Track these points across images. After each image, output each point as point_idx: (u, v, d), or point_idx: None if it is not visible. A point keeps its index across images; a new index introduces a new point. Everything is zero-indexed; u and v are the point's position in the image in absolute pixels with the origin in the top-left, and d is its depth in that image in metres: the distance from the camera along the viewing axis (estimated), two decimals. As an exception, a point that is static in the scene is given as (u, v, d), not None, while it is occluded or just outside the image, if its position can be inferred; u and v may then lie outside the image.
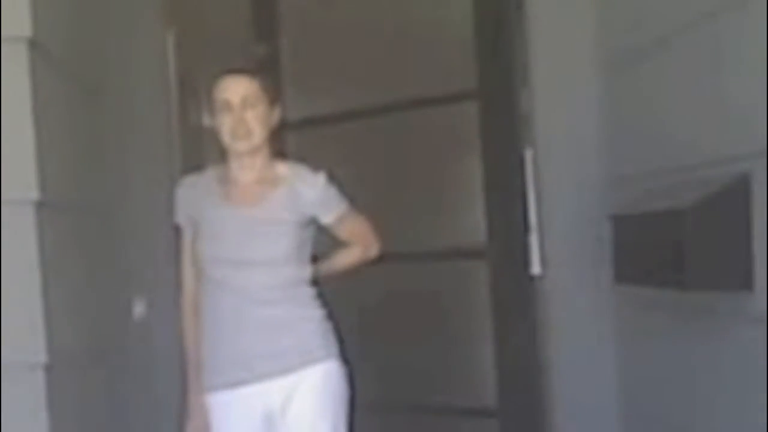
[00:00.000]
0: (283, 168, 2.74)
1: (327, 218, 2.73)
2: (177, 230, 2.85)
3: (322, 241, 2.81)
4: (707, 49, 2.57)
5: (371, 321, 3.78)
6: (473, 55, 3.54)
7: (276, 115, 2.72)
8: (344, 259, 2.90)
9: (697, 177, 2.55)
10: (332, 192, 2.73)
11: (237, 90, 2.64)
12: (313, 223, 2.73)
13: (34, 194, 2.41)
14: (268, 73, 3.20)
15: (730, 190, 2.33)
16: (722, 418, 2.60)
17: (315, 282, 2.75)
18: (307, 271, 2.72)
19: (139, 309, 3.57)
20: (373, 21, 3.79)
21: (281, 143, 3.23)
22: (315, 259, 2.77)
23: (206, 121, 2.73)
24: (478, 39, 3.52)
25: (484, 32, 3.51)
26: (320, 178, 2.72)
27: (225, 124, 2.64)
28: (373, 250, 2.92)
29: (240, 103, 2.63)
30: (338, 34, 3.86)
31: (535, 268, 3.45)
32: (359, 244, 2.88)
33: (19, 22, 2.39)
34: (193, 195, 2.75)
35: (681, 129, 2.76)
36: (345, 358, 2.73)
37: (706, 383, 2.69)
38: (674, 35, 2.74)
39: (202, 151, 4.61)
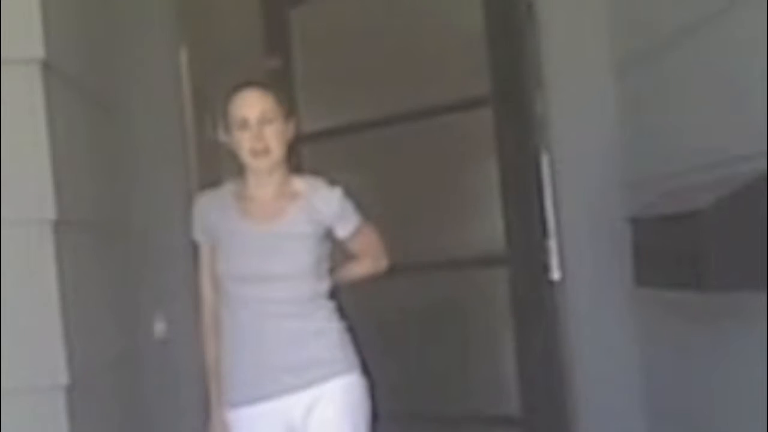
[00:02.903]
0: (299, 182, 2.74)
1: (343, 232, 2.73)
2: (195, 246, 2.85)
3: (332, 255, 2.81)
4: (722, 46, 2.55)
5: (392, 331, 3.77)
6: (486, 61, 3.53)
7: (291, 129, 2.72)
8: (356, 271, 2.89)
9: (715, 177, 2.53)
10: (348, 206, 2.73)
11: (253, 106, 2.63)
12: (329, 236, 2.72)
13: (51, 213, 2.42)
14: (281, 86, 3.20)
15: (749, 190, 2.31)
16: (745, 417, 2.57)
17: (333, 295, 2.74)
18: (326, 285, 2.72)
19: (159, 326, 3.57)
20: (384, 31, 3.79)
21: (296, 156, 3.23)
22: (330, 271, 2.76)
23: (222, 137, 2.73)
24: (490, 44, 3.52)
25: (496, 37, 3.50)
26: (337, 192, 2.72)
27: (243, 142, 2.63)
28: (383, 264, 2.90)
29: (257, 120, 2.62)
30: (350, 45, 3.86)
31: (555, 274, 3.43)
32: (370, 257, 2.87)
33: (32, 44, 2.40)
34: (211, 211, 2.75)
35: (697, 129, 2.74)
36: (365, 370, 2.73)
37: (730, 384, 2.66)
38: (687, 34, 2.72)
39: (218, 166, 4.62)
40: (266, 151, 2.63)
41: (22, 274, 2.39)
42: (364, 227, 2.79)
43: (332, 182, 2.75)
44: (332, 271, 2.77)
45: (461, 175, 3.73)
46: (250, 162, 2.66)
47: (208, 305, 2.78)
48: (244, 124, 2.63)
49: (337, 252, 2.81)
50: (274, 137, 2.64)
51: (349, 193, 2.74)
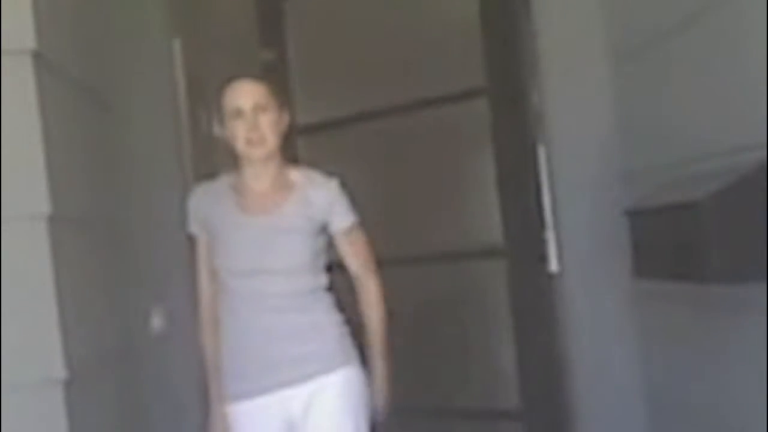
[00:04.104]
0: (296, 174, 2.73)
1: (336, 225, 2.70)
2: (192, 240, 2.83)
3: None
4: (718, 36, 2.54)
5: (390, 324, 3.76)
6: (482, 52, 3.52)
7: (285, 120, 2.71)
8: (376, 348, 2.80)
9: (712, 167, 2.52)
10: (344, 199, 2.71)
11: (248, 96, 2.62)
12: (325, 231, 2.70)
13: (45, 208, 2.40)
14: (275, 78, 3.19)
15: (748, 180, 2.30)
16: (746, 409, 2.57)
17: (330, 288, 2.73)
18: (323, 280, 2.70)
19: (156, 320, 3.55)
20: (379, 22, 3.78)
21: (292, 149, 3.21)
22: (330, 268, 2.74)
23: (217, 130, 2.72)
24: (485, 35, 3.51)
25: (492, 28, 3.49)
26: (333, 184, 2.71)
27: (238, 131, 2.62)
28: (372, 284, 2.79)
29: (252, 109, 2.61)
30: (345, 37, 3.85)
31: (553, 266, 3.42)
32: (358, 262, 2.77)
33: (23, 35, 2.38)
34: (207, 203, 2.73)
35: (696, 119, 2.73)
36: (364, 363, 2.71)
37: (729, 376, 2.66)
38: (683, 25, 2.71)
39: (213, 159, 4.60)
40: (261, 140, 2.61)
41: (17, 269, 2.37)
42: (357, 228, 2.76)
43: (329, 175, 2.74)
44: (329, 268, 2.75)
45: (458, 167, 3.72)
46: (245, 151, 2.64)
47: (206, 299, 2.77)
48: (238, 114, 2.62)
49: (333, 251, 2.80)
50: (269, 126, 2.63)
51: (346, 190, 2.72)
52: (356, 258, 2.78)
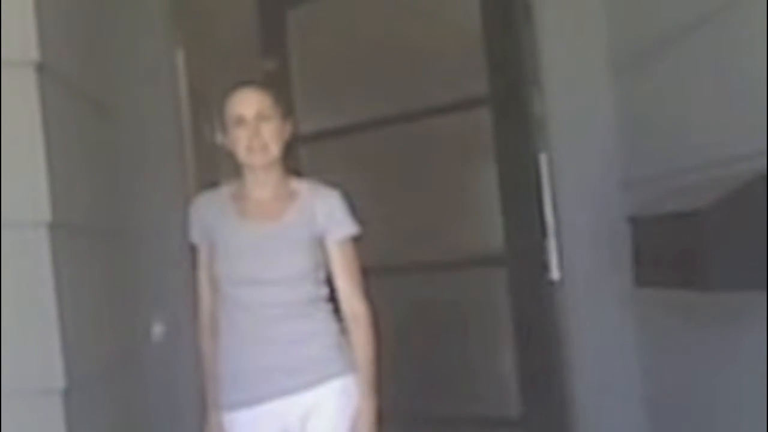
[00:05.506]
0: (298, 184, 2.73)
1: (334, 236, 2.68)
2: (193, 248, 2.84)
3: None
4: (720, 45, 2.54)
5: (390, 332, 3.76)
6: (484, 61, 3.52)
7: (288, 129, 2.71)
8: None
9: (714, 176, 2.52)
10: (345, 211, 2.69)
11: (251, 104, 2.62)
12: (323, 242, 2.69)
13: (46, 216, 2.41)
14: (278, 87, 3.19)
15: (749, 189, 2.30)
16: (745, 417, 2.56)
17: (331, 298, 2.72)
18: (324, 290, 2.70)
19: (157, 330, 3.55)
20: (381, 31, 3.78)
21: (294, 157, 3.21)
22: (328, 281, 2.73)
23: (219, 139, 2.72)
24: (487, 44, 3.51)
25: (494, 37, 3.49)
26: (335, 195, 2.70)
27: (240, 139, 2.62)
28: (362, 308, 2.72)
29: (254, 117, 2.61)
30: (347, 46, 3.85)
31: (554, 274, 3.42)
32: (347, 277, 2.71)
33: (27, 46, 2.39)
34: (208, 213, 2.73)
35: (696, 128, 2.73)
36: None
37: (729, 384, 2.65)
38: (685, 33, 2.71)
39: (216, 168, 4.61)
40: (263, 148, 2.61)
41: (18, 276, 2.38)
42: (352, 244, 2.72)
43: (332, 186, 2.74)
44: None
45: (460, 175, 3.72)
46: (247, 159, 2.64)
47: (206, 306, 2.76)
48: (241, 121, 2.62)
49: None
50: (271, 135, 2.62)
51: (348, 201, 2.72)
52: (346, 273, 2.71)
